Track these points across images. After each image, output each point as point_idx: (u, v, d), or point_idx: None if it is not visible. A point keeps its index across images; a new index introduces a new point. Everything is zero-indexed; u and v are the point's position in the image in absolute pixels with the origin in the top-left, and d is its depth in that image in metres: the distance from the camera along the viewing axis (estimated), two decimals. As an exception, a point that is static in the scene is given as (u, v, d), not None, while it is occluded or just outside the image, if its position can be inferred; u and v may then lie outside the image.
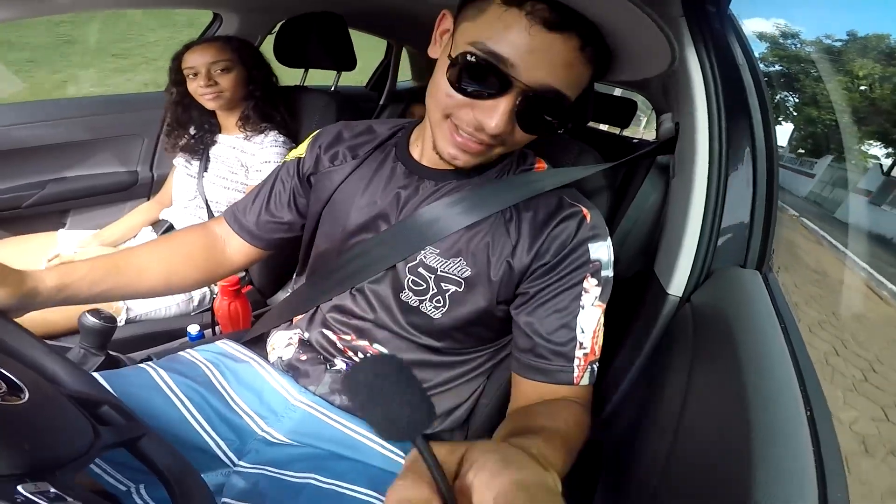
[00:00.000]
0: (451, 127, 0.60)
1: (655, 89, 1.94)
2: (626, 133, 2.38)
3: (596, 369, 0.67)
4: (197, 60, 1.25)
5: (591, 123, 2.16)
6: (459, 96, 0.57)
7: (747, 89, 0.79)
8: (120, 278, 0.72)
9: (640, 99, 2.59)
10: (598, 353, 0.67)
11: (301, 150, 0.83)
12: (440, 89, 0.59)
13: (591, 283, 0.65)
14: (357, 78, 2.16)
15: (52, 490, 0.33)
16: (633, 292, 0.89)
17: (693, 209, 0.75)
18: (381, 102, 2.06)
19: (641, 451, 0.58)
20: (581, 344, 0.65)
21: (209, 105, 1.29)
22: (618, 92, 3.08)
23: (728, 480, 0.39)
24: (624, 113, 2.22)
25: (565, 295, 0.65)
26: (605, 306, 0.67)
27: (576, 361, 0.65)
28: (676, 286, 0.75)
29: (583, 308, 0.65)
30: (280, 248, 0.87)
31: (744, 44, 0.87)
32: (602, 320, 0.67)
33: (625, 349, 0.78)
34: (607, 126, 2.47)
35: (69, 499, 0.32)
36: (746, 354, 0.53)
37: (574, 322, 0.65)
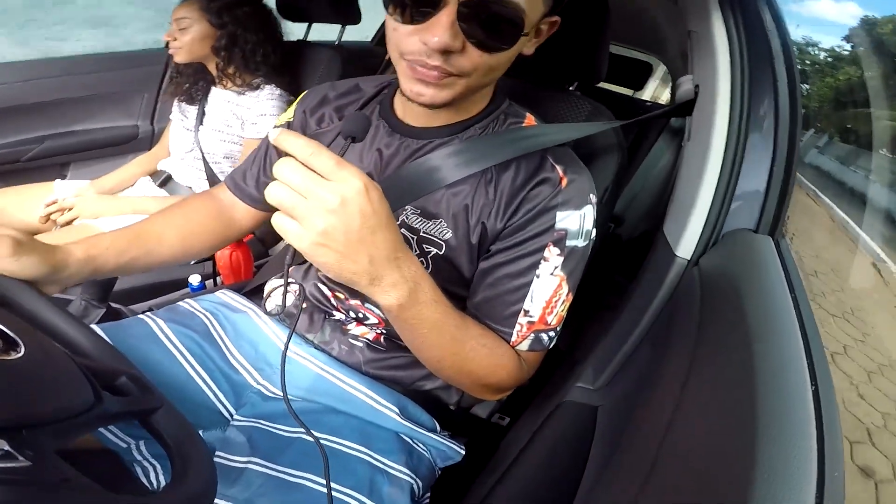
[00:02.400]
0: (408, 64, 0.57)
1: (673, 52, 1.89)
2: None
3: (547, 338, 0.65)
4: (173, 15, 1.29)
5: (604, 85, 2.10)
6: (403, 26, 0.55)
7: (775, 55, 0.76)
8: (142, 246, 0.73)
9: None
10: (551, 322, 0.65)
11: (289, 113, 0.82)
12: (389, 27, 0.57)
13: (552, 252, 0.63)
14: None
15: (4, 448, 0.31)
16: (638, 253, 0.88)
17: (708, 172, 0.72)
18: (386, 58, 2.00)
19: (641, 418, 0.57)
20: (526, 311, 0.63)
21: (175, 58, 1.32)
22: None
23: (730, 453, 0.38)
24: (638, 74, 2.14)
25: (522, 261, 0.64)
26: (566, 276, 0.64)
27: (516, 327, 0.64)
28: (685, 248, 0.73)
29: (538, 277, 0.63)
30: None
31: (774, 10, 0.83)
32: (563, 291, 0.65)
33: (627, 312, 0.77)
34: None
35: (20, 458, 0.31)
36: (754, 323, 0.51)
37: (526, 289, 0.63)
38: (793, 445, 0.36)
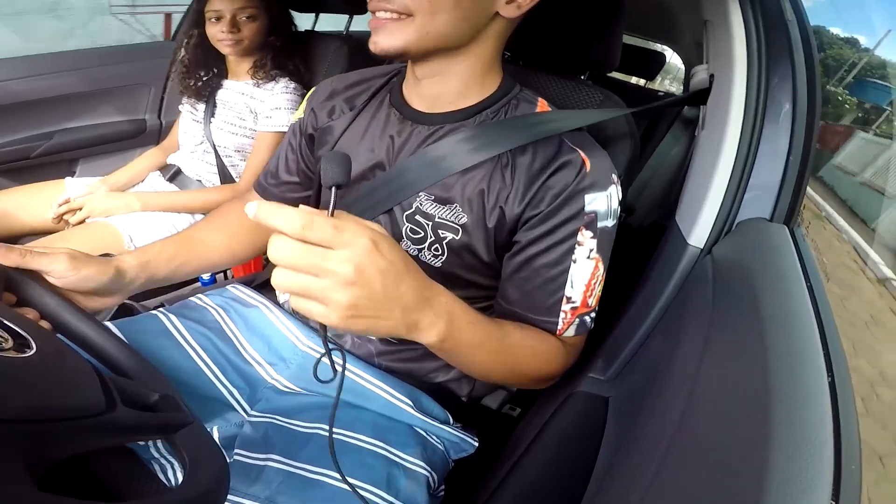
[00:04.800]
0: (371, 18, 0.60)
1: (687, 42, 1.87)
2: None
3: (589, 319, 0.67)
4: (223, 4, 1.22)
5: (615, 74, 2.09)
6: None
7: (794, 45, 0.75)
8: (190, 251, 0.76)
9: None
10: (591, 304, 0.66)
11: (300, 111, 0.83)
12: None
13: (585, 236, 0.63)
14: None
15: None
16: (649, 243, 0.87)
17: (722, 160, 0.71)
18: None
19: (653, 409, 0.57)
20: (569, 298, 0.64)
21: (224, 50, 1.29)
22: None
23: (745, 446, 0.37)
24: (651, 64, 2.12)
25: (558, 248, 0.63)
26: (601, 258, 0.65)
27: (561, 315, 0.64)
28: (698, 237, 0.72)
29: (575, 262, 0.63)
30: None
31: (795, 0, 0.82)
32: (600, 272, 0.65)
33: (638, 302, 0.76)
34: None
35: None
36: (769, 313, 0.50)
37: (564, 277, 0.63)
38: (809, 438, 0.35)
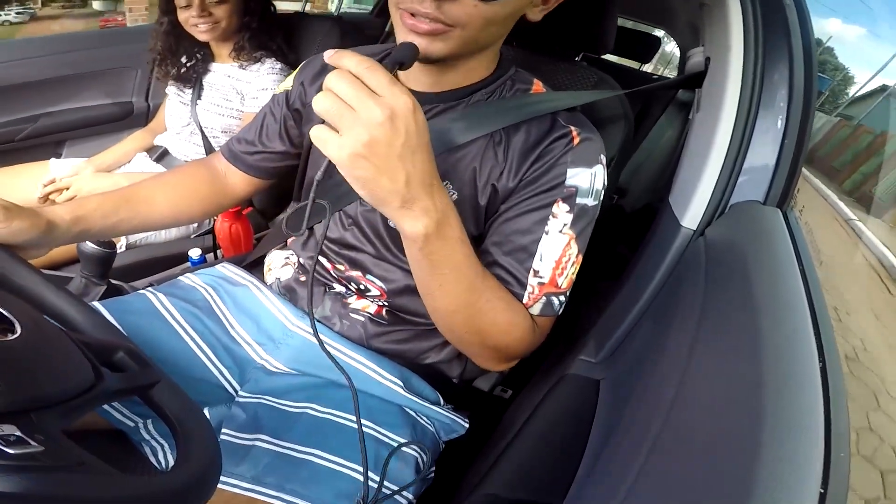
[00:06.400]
0: (401, 14, 0.56)
1: (683, 26, 1.85)
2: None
3: (557, 302, 0.64)
4: None
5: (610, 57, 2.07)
6: None
7: (792, 30, 0.74)
8: (131, 209, 0.72)
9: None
10: (562, 286, 0.64)
11: (288, 83, 0.81)
12: None
13: (561, 209, 0.62)
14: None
15: (16, 433, 0.30)
16: (641, 225, 0.87)
17: (717, 143, 0.71)
18: (386, 29, 1.97)
19: (644, 392, 0.57)
20: (537, 272, 0.62)
21: (202, 37, 1.25)
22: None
23: (735, 430, 0.37)
24: (645, 47, 2.10)
25: (530, 216, 0.62)
26: (575, 236, 0.63)
27: (528, 289, 0.63)
28: (691, 219, 0.72)
29: (546, 233, 0.62)
30: (280, 175, 0.86)
31: None
32: (572, 250, 0.63)
33: (630, 283, 0.76)
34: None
35: (32, 442, 0.30)
36: (761, 295, 0.50)
37: (534, 247, 0.62)
38: (799, 425, 0.35)
